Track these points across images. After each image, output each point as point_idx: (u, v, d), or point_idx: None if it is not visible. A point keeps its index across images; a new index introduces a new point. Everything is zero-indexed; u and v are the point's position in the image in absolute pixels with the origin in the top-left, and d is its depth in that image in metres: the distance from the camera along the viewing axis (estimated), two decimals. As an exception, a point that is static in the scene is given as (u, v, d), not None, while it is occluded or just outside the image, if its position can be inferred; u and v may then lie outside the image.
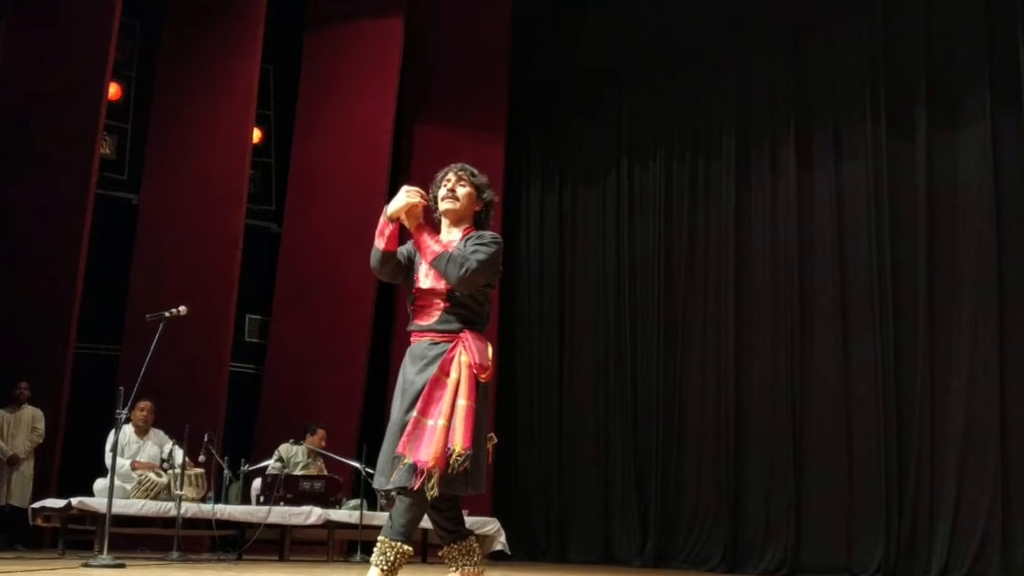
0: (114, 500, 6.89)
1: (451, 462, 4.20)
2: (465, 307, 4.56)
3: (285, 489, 8.54)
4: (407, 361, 4.52)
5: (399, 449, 4.27)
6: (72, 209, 9.52)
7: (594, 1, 11.50)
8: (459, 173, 4.74)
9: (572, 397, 11.15)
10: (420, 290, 4.60)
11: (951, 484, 8.65)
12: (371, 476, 8.22)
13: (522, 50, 11.72)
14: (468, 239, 4.62)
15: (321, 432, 9.38)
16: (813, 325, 9.61)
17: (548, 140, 11.76)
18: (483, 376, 4.43)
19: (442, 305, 4.56)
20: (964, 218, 8.94)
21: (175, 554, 7.63)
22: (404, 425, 4.34)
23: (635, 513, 10.46)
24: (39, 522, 7.99)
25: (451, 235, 4.70)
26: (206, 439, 8.29)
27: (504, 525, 9.25)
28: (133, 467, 8.33)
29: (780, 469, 9.56)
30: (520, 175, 11.70)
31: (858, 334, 9.37)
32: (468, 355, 4.42)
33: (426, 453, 4.22)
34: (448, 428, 4.27)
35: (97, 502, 7.52)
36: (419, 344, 4.54)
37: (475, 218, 4.74)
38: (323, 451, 9.33)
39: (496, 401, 9.82)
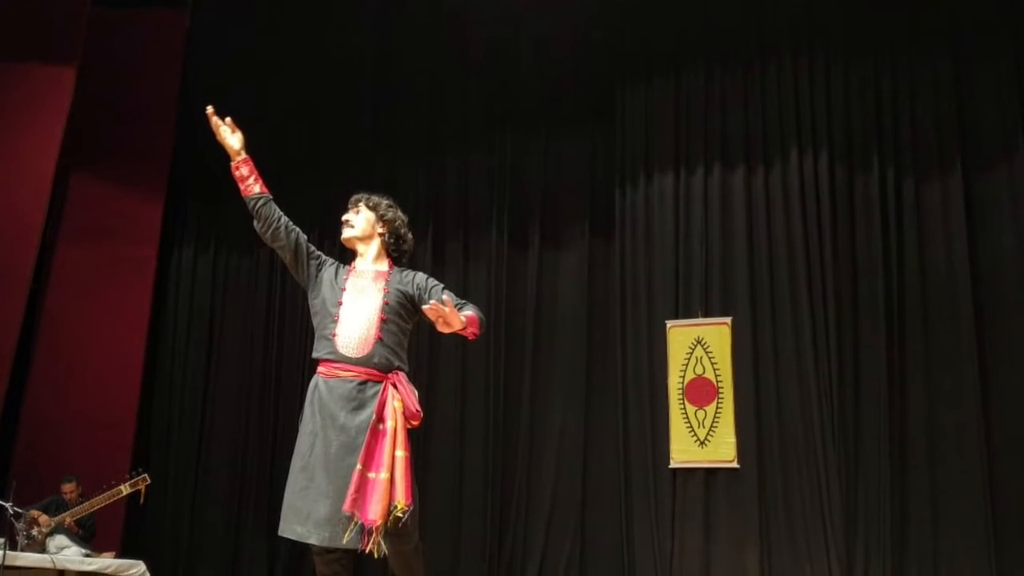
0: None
1: (390, 518, 4.02)
2: (397, 343, 4.28)
3: None
4: (326, 396, 4.19)
5: (347, 507, 4.04)
6: None
7: (266, 81, 11.97)
8: (351, 203, 4.59)
9: (208, 461, 11.09)
10: (344, 315, 4.25)
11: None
12: (17, 513, 8.21)
13: (192, 114, 11.63)
14: (412, 277, 4.40)
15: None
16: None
17: (205, 206, 11.84)
18: (415, 423, 4.23)
19: (373, 338, 4.22)
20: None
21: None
22: (342, 469, 4.08)
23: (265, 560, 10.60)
24: None
25: (375, 266, 4.43)
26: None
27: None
28: None
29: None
30: (176, 235, 11.78)
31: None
32: (401, 399, 4.18)
33: (374, 512, 4.02)
34: (391, 482, 4.05)
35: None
36: (343, 382, 4.20)
37: (386, 245, 4.49)
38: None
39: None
